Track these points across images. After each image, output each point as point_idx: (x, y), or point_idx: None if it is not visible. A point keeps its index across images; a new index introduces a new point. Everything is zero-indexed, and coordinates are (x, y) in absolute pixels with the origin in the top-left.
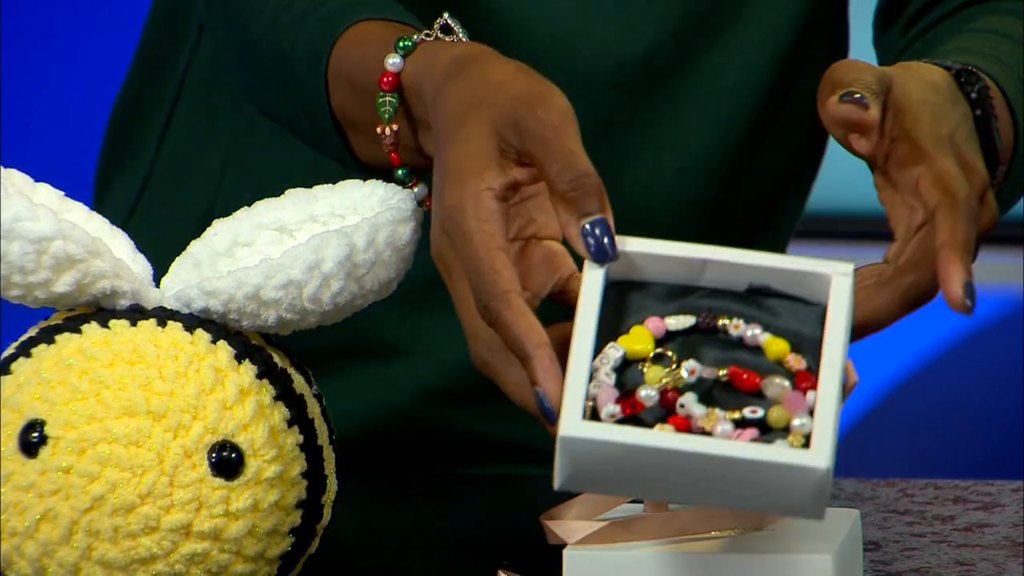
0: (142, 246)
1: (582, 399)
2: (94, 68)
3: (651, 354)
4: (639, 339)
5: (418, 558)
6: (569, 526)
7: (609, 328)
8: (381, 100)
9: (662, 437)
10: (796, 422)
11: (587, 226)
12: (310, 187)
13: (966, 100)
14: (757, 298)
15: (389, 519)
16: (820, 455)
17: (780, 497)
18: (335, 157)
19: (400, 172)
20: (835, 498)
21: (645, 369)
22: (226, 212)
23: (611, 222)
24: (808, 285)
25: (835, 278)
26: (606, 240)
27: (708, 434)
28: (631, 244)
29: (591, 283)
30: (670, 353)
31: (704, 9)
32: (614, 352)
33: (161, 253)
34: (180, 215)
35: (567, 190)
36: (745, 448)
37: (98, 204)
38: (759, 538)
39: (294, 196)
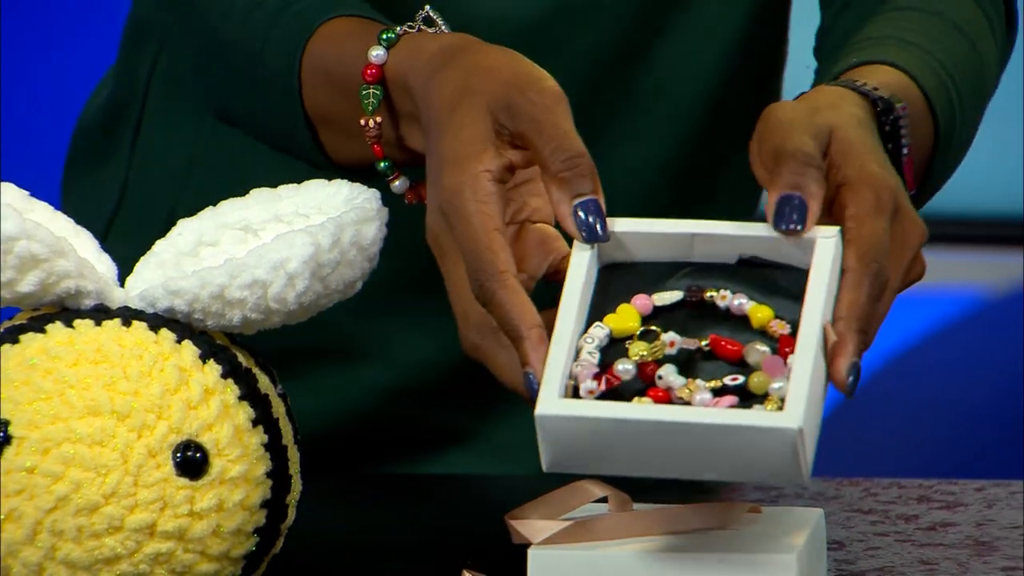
0: (125, 252)
1: (560, 378)
2: (81, 68)
3: (637, 331)
4: (625, 317)
5: (382, 558)
6: (533, 525)
7: (598, 309)
8: (365, 92)
9: (633, 408)
10: (774, 386)
11: (579, 207)
12: (276, 186)
13: (880, 134)
14: (747, 270)
15: (353, 519)
16: (791, 416)
17: (759, 462)
18: (305, 158)
19: (383, 165)
20: (798, 497)
21: (629, 345)
22: (191, 212)
23: (603, 203)
24: (796, 251)
25: (819, 241)
26: (597, 221)
27: (687, 404)
28: (619, 224)
29: (578, 264)
30: (656, 330)
31: (652, 4)
32: (599, 331)
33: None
34: (152, 218)
35: (560, 170)
36: (716, 414)
37: (64, 208)
38: (723, 538)
39: (259, 196)
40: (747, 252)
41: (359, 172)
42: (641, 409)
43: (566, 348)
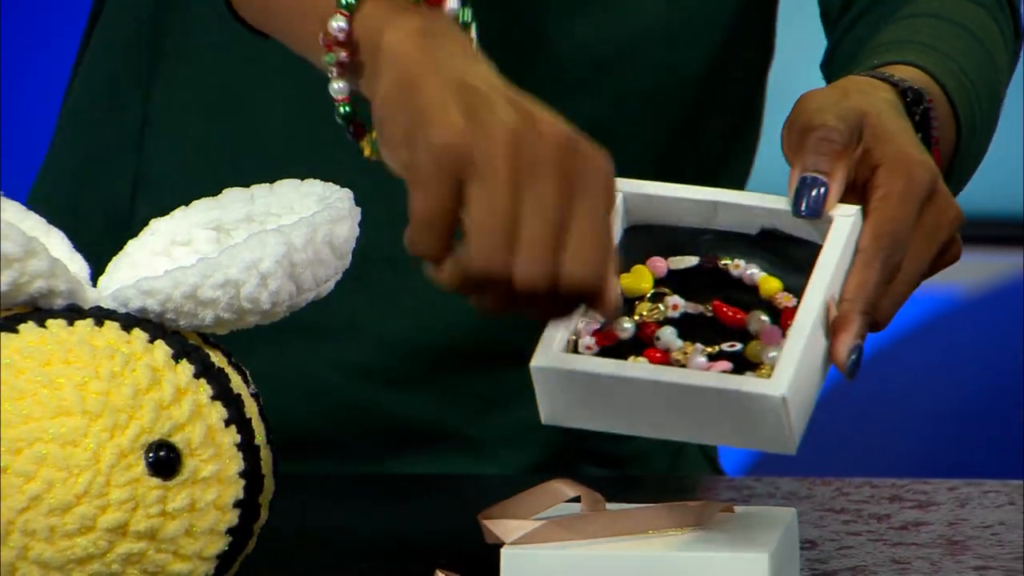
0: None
1: (562, 332)
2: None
3: (649, 292)
4: (638, 278)
5: (355, 558)
6: (507, 525)
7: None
8: None
9: (622, 365)
10: (769, 354)
11: None
12: (219, 189)
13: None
14: (767, 241)
15: (327, 519)
16: (777, 383)
17: (746, 428)
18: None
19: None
20: (771, 497)
21: (638, 304)
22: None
23: None
24: (819, 227)
25: (837, 218)
26: None
27: (682, 367)
28: (647, 187)
29: None
30: (667, 292)
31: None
32: None
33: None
34: (115, 178)
35: None
36: (705, 376)
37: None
38: (697, 537)
39: (231, 195)
40: (769, 224)
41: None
42: (630, 367)
43: None
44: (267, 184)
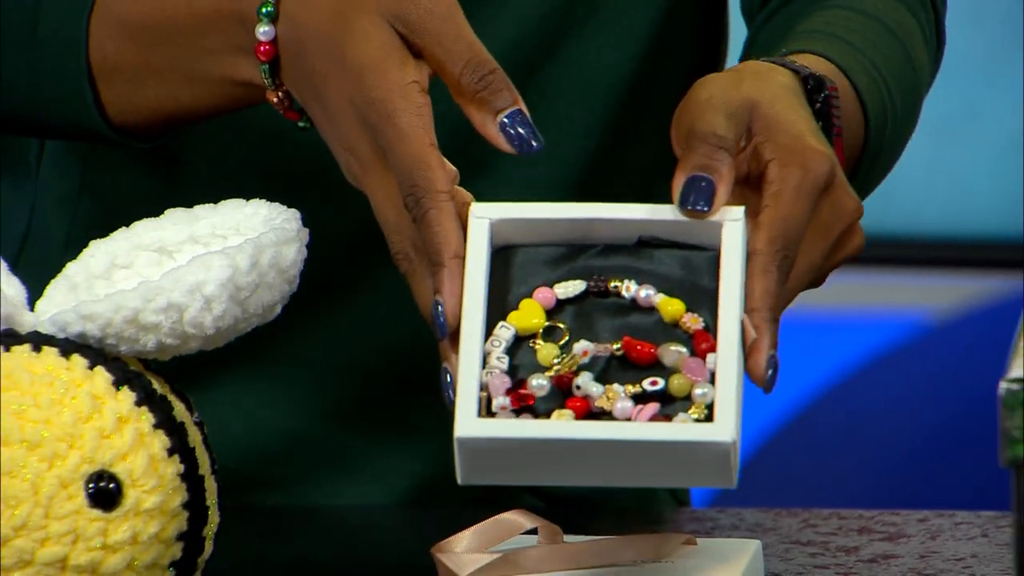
0: (31, 272)
1: (476, 391)
2: None
3: (542, 328)
4: (529, 314)
5: None
6: (461, 558)
7: (498, 302)
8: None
9: (558, 427)
10: (698, 392)
11: (505, 123)
12: (164, 211)
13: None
14: (648, 250)
15: (274, 552)
16: (723, 428)
17: (688, 472)
18: (76, 127)
19: (265, 67)
20: (735, 528)
21: (537, 347)
22: (83, 238)
23: (526, 111)
24: (698, 232)
25: (726, 224)
26: (528, 132)
27: (608, 413)
28: (511, 210)
29: (476, 252)
30: (562, 325)
31: (564, 2)
32: (505, 332)
33: (41, 280)
34: (51, 241)
35: (476, 91)
36: (645, 429)
37: None
38: (658, 570)
39: (174, 216)
40: (647, 233)
41: (143, 136)
42: (567, 427)
43: (476, 356)
44: (211, 204)
